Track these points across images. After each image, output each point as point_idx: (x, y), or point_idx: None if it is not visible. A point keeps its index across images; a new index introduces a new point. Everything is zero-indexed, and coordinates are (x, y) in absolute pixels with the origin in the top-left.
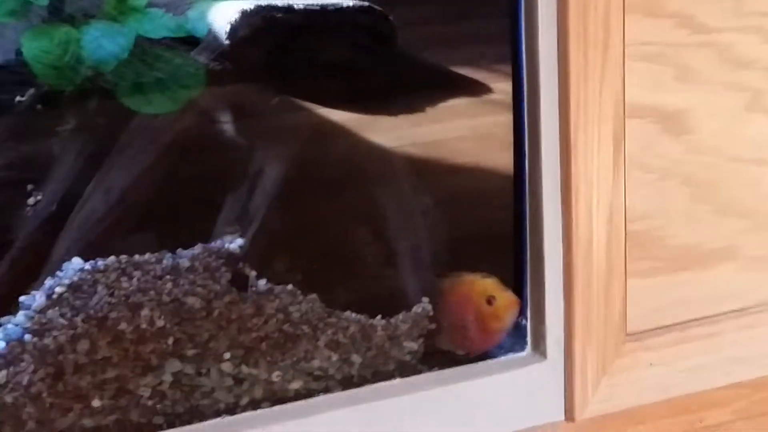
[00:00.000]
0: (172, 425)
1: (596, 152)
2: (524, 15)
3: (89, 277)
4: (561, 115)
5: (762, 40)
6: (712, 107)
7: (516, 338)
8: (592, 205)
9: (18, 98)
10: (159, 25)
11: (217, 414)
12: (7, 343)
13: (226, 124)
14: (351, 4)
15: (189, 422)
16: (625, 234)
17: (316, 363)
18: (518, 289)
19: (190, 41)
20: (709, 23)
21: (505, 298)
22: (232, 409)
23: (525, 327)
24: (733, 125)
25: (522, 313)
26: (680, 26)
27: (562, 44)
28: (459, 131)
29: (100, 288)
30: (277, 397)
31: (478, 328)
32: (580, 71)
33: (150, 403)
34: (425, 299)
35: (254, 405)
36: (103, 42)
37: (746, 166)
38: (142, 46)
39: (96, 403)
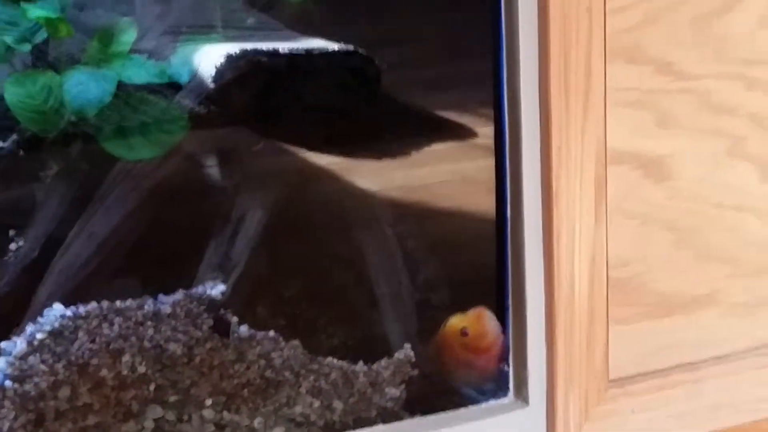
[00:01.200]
0: None
1: (578, 198)
2: (506, 60)
3: (70, 323)
4: (543, 160)
5: (742, 87)
6: (694, 153)
7: (498, 384)
8: (574, 251)
9: (0, 143)
10: (141, 70)
11: None
12: None
13: (209, 169)
14: (336, 48)
15: None
16: (607, 280)
17: (298, 409)
18: None
19: (174, 86)
20: (689, 70)
21: (479, 326)
22: None
23: (507, 373)
24: (714, 171)
25: (504, 358)
26: (661, 73)
27: (543, 89)
28: (443, 175)
29: (81, 334)
30: None
31: (459, 363)
32: (561, 117)
33: None
34: (407, 345)
35: None
36: (85, 88)
37: (728, 212)
38: (125, 91)
39: None
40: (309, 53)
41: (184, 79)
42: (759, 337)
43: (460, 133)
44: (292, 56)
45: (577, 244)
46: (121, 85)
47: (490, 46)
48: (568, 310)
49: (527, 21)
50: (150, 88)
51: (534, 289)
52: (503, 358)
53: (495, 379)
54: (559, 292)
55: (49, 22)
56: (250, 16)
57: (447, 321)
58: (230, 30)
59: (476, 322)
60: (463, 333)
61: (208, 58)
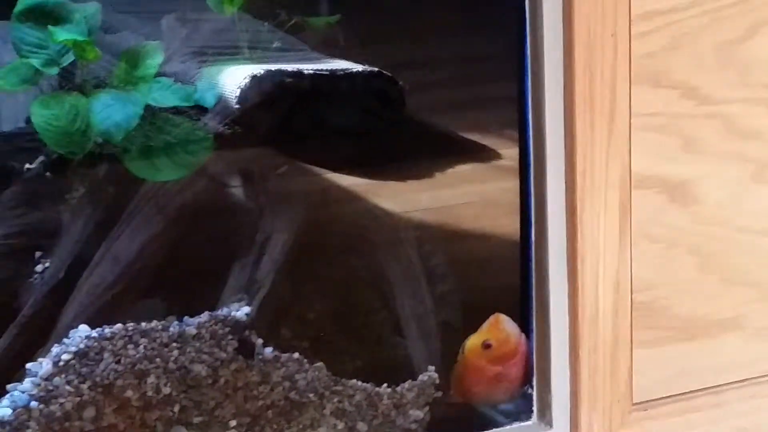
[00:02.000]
0: None
1: (602, 221)
2: (531, 84)
3: (96, 344)
4: (567, 183)
5: (767, 111)
6: (719, 178)
7: (522, 407)
8: (598, 274)
9: (27, 166)
10: (168, 93)
11: None
12: (14, 410)
13: (235, 190)
14: (360, 69)
15: None
16: (632, 303)
17: (322, 431)
18: None
19: (200, 107)
20: (714, 94)
21: (499, 332)
22: None
23: (531, 395)
24: (739, 196)
25: (528, 381)
26: (686, 97)
27: (568, 112)
28: (467, 197)
29: (106, 355)
30: None
31: (489, 381)
32: (586, 140)
33: None
34: (431, 367)
35: None
36: (112, 110)
37: (753, 236)
38: (151, 113)
39: None
40: (333, 74)
41: (210, 101)
42: None
43: (485, 154)
44: (317, 77)
45: (601, 268)
46: (147, 107)
47: (516, 69)
48: (592, 333)
49: (553, 45)
50: (176, 110)
51: (558, 312)
52: (529, 361)
53: (526, 390)
54: (583, 314)
55: (77, 45)
56: (276, 39)
57: (464, 345)
58: (256, 52)
59: (495, 329)
60: (486, 346)
61: (234, 80)
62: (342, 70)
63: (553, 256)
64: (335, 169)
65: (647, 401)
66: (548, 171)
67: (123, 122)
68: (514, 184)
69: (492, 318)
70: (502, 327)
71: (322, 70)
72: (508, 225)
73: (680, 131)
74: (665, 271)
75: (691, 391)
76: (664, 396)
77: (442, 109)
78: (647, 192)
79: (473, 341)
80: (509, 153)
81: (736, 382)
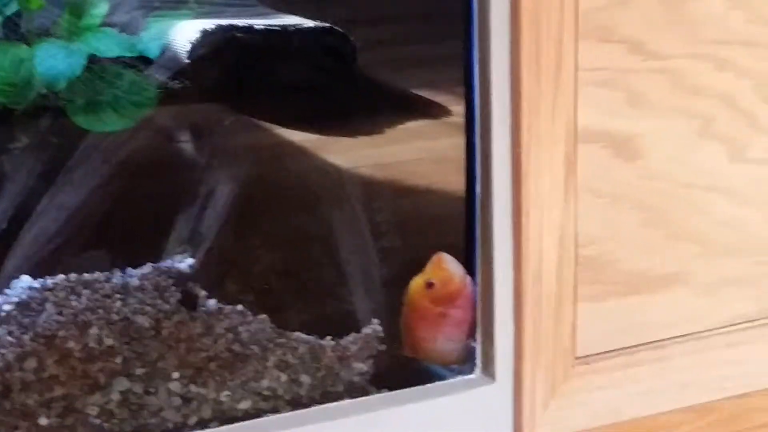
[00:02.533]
0: None
1: (547, 176)
2: (477, 39)
3: (38, 295)
4: (512, 137)
5: (714, 68)
6: (664, 133)
7: (465, 360)
8: (543, 229)
9: None
10: (112, 44)
11: None
12: None
13: (180, 143)
14: (312, 25)
15: None
16: (576, 258)
17: (265, 383)
18: None
19: (146, 60)
20: (661, 50)
21: (441, 271)
22: (180, 429)
23: (474, 349)
24: (684, 151)
25: (474, 327)
26: (633, 52)
27: (514, 67)
28: (417, 153)
29: (48, 306)
30: (226, 417)
31: (435, 324)
32: (532, 94)
33: (98, 421)
34: (375, 320)
35: (202, 425)
36: (56, 60)
37: (698, 192)
38: (96, 64)
39: (43, 421)
40: (286, 29)
41: (154, 53)
42: (726, 316)
43: (435, 111)
44: (267, 32)
45: (545, 222)
46: (92, 58)
47: (462, 24)
48: (536, 288)
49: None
50: (122, 62)
51: (502, 267)
52: (475, 305)
53: (470, 344)
54: (527, 269)
55: None
56: None
57: (408, 288)
58: (204, 5)
59: (438, 268)
60: (429, 285)
61: (181, 32)
62: (293, 25)
63: (498, 210)
64: (286, 125)
65: (590, 355)
66: (494, 126)
67: (66, 71)
68: (462, 140)
69: (435, 257)
70: (444, 266)
71: (273, 25)
72: (456, 181)
73: (626, 86)
74: (610, 226)
75: (634, 346)
76: (607, 350)
77: (392, 65)
78: (593, 147)
79: (415, 282)
80: (459, 110)
81: (679, 336)
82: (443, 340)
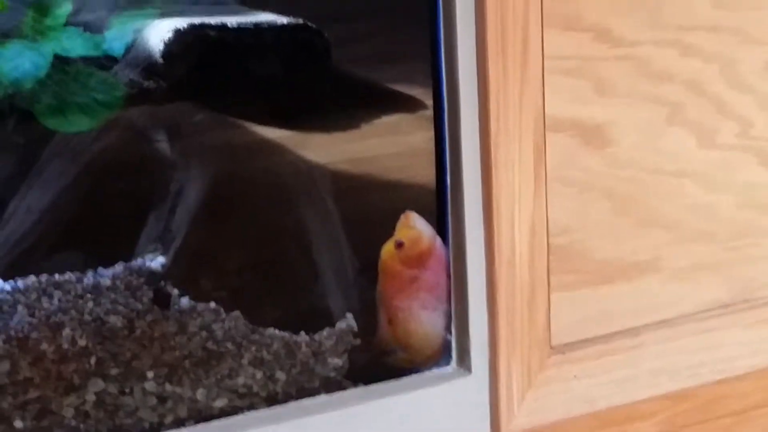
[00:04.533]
0: None
1: (517, 166)
2: (443, 30)
3: (9, 297)
4: (481, 129)
5: (680, 54)
6: (632, 120)
7: (441, 353)
8: (514, 219)
9: None
10: (77, 43)
11: None
12: None
13: (152, 142)
14: (285, 21)
15: None
16: (548, 247)
17: (240, 380)
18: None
19: (113, 59)
20: (627, 36)
21: (410, 230)
22: (156, 428)
23: (450, 341)
24: (653, 138)
25: (446, 327)
26: (598, 40)
27: (480, 57)
28: (392, 147)
29: (20, 308)
30: (202, 416)
31: (407, 287)
32: (499, 85)
33: (73, 423)
34: (349, 315)
35: (178, 423)
36: (19, 61)
37: (667, 178)
38: (62, 63)
39: (18, 424)
40: (258, 27)
41: (119, 51)
42: (699, 301)
43: (411, 105)
44: (239, 29)
45: (516, 212)
46: (58, 58)
47: (428, 16)
48: (509, 278)
49: None
50: (89, 61)
51: (474, 258)
52: (446, 266)
53: (445, 336)
54: (500, 260)
55: None
56: None
57: (380, 253)
58: (171, 3)
59: (405, 227)
60: (398, 245)
61: (151, 31)
62: (266, 22)
63: (469, 201)
64: (260, 122)
65: (565, 344)
66: (462, 117)
67: (31, 71)
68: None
69: (402, 216)
70: (412, 224)
71: (245, 22)
72: (430, 173)
73: (593, 74)
74: (581, 215)
75: (608, 334)
76: (581, 339)
77: (367, 60)
78: (561, 135)
79: (387, 245)
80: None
81: (653, 323)
82: (418, 308)
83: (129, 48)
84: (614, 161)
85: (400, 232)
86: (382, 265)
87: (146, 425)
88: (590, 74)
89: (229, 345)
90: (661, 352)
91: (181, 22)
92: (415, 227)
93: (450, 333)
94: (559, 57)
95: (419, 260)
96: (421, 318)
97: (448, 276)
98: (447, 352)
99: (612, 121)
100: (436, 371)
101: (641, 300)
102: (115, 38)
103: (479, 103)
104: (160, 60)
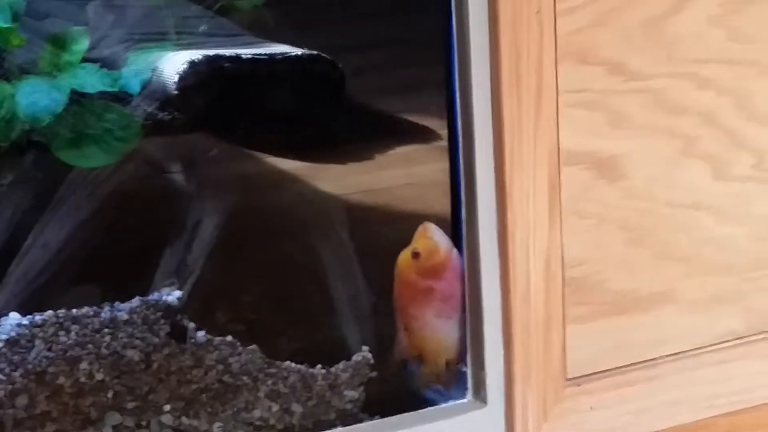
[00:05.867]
0: None
1: (532, 199)
2: (457, 62)
3: (27, 332)
4: (496, 162)
5: (694, 86)
6: (647, 153)
7: (457, 385)
8: (529, 252)
9: None
10: (94, 80)
11: None
12: None
13: (168, 175)
14: (300, 53)
15: None
16: (563, 279)
17: (256, 413)
18: (463, 337)
19: (128, 94)
20: (641, 70)
21: (427, 240)
22: None
23: (465, 374)
24: (667, 171)
25: (462, 358)
26: (613, 73)
27: (495, 91)
28: (407, 178)
29: (38, 343)
30: None
31: (421, 297)
32: (513, 118)
33: None
34: (365, 348)
35: None
36: (37, 97)
37: (682, 210)
38: (78, 99)
39: None
40: (273, 58)
41: (136, 87)
42: (716, 333)
43: (425, 135)
44: (254, 61)
45: (531, 245)
46: (75, 94)
47: (443, 49)
48: (524, 310)
49: (478, 24)
50: (104, 96)
51: (490, 290)
52: (461, 277)
53: (460, 368)
54: (515, 292)
55: (1, 33)
56: (205, 23)
57: (397, 261)
58: (186, 36)
59: (423, 237)
60: (415, 255)
61: (167, 63)
62: (281, 53)
63: (484, 234)
64: (275, 153)
65: (581, 376)
66: (477, 150)
67: (49, 107)
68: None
69: (420, 227)
70: (430, 235)
71: (260, 54)
72: (444, 205)
73: (608, 107)
74: (596, 247)
75: (624, 366)
76: (597, 371)
77: (382, 91)
78: (576, 168)
79: (404, 253)
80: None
81: (669, 355)
82: (432, 317)
83: (148, 82)
84: (629, 194)
85: (418, 243)
86: (398, 272)
87: None
88: (604, 107)
89: (246, 378)
90: (678, 384)
91: (197, 55)
92: (433, 238)
93: (465, 365)
94: (573, 90)
95: (435, 271)
96: (436, 326)
97: (464, 287)
98: (463, 384)
99: (627, 154)
100: (451, 403)
101: (657, 332)
102: (133, 74)
103: (494, 135)
104: (176, 93)
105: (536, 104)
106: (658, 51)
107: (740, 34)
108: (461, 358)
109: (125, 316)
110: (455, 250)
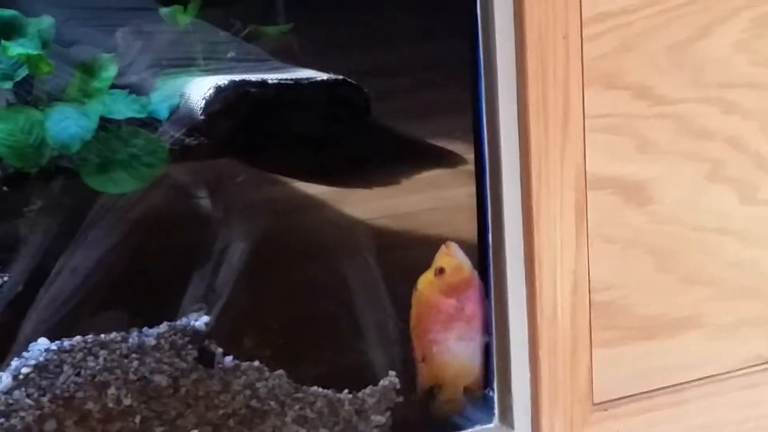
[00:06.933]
0: None
1: (559, 223)
2: (484, 86)
3: (55, 357)
4: (523, 185)
5: (721, 111)
6: (674, 178)
7: (483, 410)
8: (556, 276)
9: None
10: (122, 106)
11: None
12: None
13: (195, 200)
14: (325, 77)
15: None
16: (590, 304)
17: None
18: (485, 361)
19: (156, 119)
20: (668, 94)
21: (452, 259)
22: None
23: (492, 398)
24: (694, 195)
25: (488, 384)
26: (639, 97)
27: (522, 115)
28: (433, 202)
29: (66, 368)
30: None
31: (443, 318)
32: (540, 143)
33: None
34: (392, 372)
35: None
36: (67, 124)
37: (708, 235)
38: (107, 125)
39: None
40: (298, 83)
41: (164, 113)
42: (742, 357)
43: (451, 160)
44: (280, 86)
45: (558, 269)
46: (104, 120)
47: (469, 73)
48: (551, 335)
49: (504, 48)
50: (133, 122)
51: (517, 315)
52: (483, 297)
53: (487, 393)
54: (542, 316)
55: (31, 60)
56: (233, 49)
57: (417, 285)
58: (213, 62)
59: (447, 256)
60: (439, 271)
61: (194, 89)
62: (306, 78)
63: (511, 258)
64: (302, 178)
65: (608, 401)
66: (504, 174)
67: (78, 134)
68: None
69: (443, 246)
70: (454, 254)
71: (286, 79)
72: (470, 229)
73: (634, 132)
74: (623, 271)
75: (652, 390)
76: (625, 395)
77: (408, 115)
78: (603, 193)
79: (425, 276)
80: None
81: (697, 380)
82: (455, 340)
83: (176, 108)
84: (656, 218)
85: (441, 261)
86: (419, 296)
87: None
88: (631, 132)
89: (273, 403)
90: (705, 408)
91: (224, 80)
92: (456, 256)
93: (492, 390)
94: (599, 115)
95: (459, 289)
96: (457, 351)
97: (485, 307)
98: (489, 408)
99: (653, 178)
100: (478, 428)
101: (684, 356)
102: (161, 100)
103: (521, 159)
104: (203, 118)
105: (563, 129)
106: (684, 76)
107: (763, 58)
108: (485, 383)
109: (153, 342)
110: (476, 271)
